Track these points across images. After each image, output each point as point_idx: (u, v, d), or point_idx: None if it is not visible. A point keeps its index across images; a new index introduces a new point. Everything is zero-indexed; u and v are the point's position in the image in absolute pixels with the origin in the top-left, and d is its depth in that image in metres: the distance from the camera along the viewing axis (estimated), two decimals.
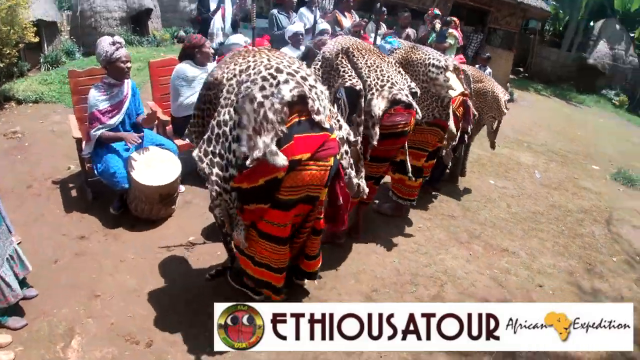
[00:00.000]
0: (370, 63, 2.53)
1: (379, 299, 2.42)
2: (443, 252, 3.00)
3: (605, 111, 10.78)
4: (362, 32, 4.99)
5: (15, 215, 2.76)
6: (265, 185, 1.79)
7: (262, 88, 1.77)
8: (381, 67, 2.54)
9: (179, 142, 3.37)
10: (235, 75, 1.89)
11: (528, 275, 3.00)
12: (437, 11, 6.30)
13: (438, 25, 6.13)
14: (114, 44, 2.79)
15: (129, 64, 2.86)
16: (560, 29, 13.85)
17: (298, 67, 1.89)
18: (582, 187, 4.80)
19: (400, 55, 2.93)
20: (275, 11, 5.26)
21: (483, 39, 8.99)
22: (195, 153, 1.85)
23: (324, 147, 1.81)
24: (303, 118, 1.79)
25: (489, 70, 5.53)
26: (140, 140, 2.87)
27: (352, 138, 2.11)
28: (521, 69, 12.67)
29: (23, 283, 2.17)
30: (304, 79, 1.85)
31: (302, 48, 4.75)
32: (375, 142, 2.36)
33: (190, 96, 3.38)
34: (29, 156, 3.73)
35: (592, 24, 13.29)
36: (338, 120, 2.08)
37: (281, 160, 1.69)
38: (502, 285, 2.82)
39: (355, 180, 2.02)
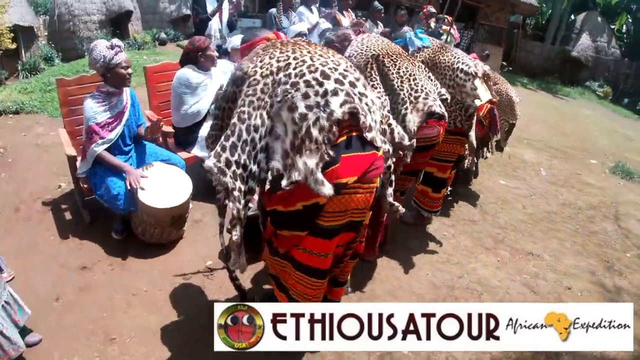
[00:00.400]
0: (403, 72, 2.36)
1: None
2: (473, 261, 2.98)
3: (591, 103, 11.02)
4: (361, 31, 4.89)
5: (4, 245, 2.54)
6: (304, 211, 1.56)
7: (306, 96, 1.51)
8: (414, 74, 2.37)
9: (184, 155, 3.12)
10: (272, 73, 1.58)
11: (556, 278, 3.04)
12: (432, 9, 6.22)
13: (433, 24, 6.07)
14: (112, 47, 2.53)
15: (129, 70, 2.60)
16: (543, 22, 14.16)
17: (345, 70, 1.63)
18: (586, 183, 4.87)
19: (427, 55, 2.81)
20: (274, 11, 5.17)
21: (474, 35, 9.01)
22: (211, 162, 1.52)
23: (372, 167, 1.59)
24: (353, 134, 1.56)
25: (487, 67, 5.51)
26: (145, 177, 2.58)
27: (406, 142, 1.91)
28: (504, 63, 12.82)
29: (23, 329, 1.91)
30: (353, 85, 1.59)
31: None
32: (409, 160, 2.20)
33: (194, 104, 3.14)
34: (14, 174, 3.40)
35: (573, 17, 13.61)
36: (390, 124, 1.89)
37: (327, 190, 1.46)
38: (534, 290, 2.85)
39: (390, 199, 1.87)
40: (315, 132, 1.47)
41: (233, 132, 1.55)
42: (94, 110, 2.52)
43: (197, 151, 3.19)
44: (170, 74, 3.26)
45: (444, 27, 6.03)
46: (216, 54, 3.22)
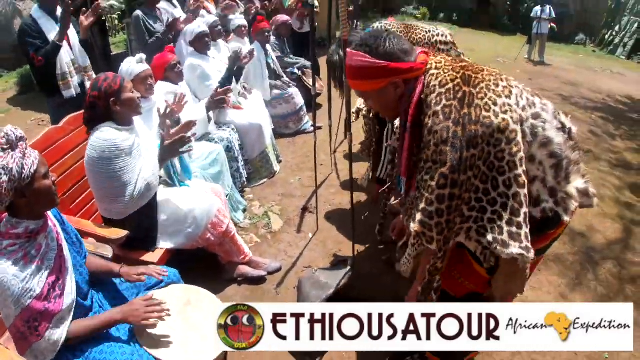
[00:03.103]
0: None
1: None
2: None
3: None
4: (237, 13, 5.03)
5: None
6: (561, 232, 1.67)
7: (551, 122, 1.47)
8: None
9: (148, 257, 2.38)
10: (513, 111, 1.42)
11: None
12: None
13: None
14: (11, 146, 1.41)
15: (53, 176, 1.58)
16: None
17: None
18: None
19: None
20: (139, 13, 4.31)
21: None
22: (516, 250, 1.41)
23: None
24: None
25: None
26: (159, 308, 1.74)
27: None
28: None
29: None
30: None
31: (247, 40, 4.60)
32: None
33: (139, 177, 2.29)
34: None
35: None
36: None
37: (596, 198, 1.57)
38: None
39: None
40: (572, 154, 1.47)
41: (521, 202, 1.40)
42: (22, 278, 1.44)
43: (166, 244, 2.51)
44: (63, 145, 2.47)
45: None
46: (137, 94, 2.34)
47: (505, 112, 1.38)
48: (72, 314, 1.61)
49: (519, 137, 1.38)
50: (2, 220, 1.51)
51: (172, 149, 2.45)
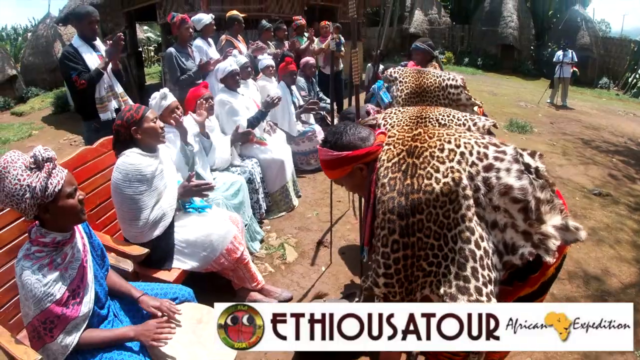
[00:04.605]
0: None
1: None
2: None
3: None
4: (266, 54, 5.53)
5: None
6: (555, 272, 1.71)
7: (507, 170, 1.51)
8: None
9: (164, 275, 2.53)
10: (460, 171, 1.53)
11: None
12: (301, 20, 7.30)
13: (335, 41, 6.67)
14: (38, 166, 1.59)
15: (80, 194, 1.72)
16: (376, 8, 17.38)
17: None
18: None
19: (410, 86, 2.96)
20: (172, 50, 4.65)
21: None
22: (464, 300, 1.48)
23: None
24: None
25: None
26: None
27: None
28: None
29: None
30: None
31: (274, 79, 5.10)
32: None
33: (156, 205, 2.46)
34: None
35: None
36: None
37: (584, 232, 1.53)
38: None
39: None
40: (541, 194, 1.52)
41: (466, 257, 1.49)
42: (44, 282, 1.59)
43: (180, 264, 2.66)
44: (93, 165, 2.72)
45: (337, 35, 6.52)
46: (160, 123, 2.52)
47: (447, 176, 1.51)
48: (86, 321, 1.74)
49: (460, 197, 1.49)
50: (33, 227, 1.69)
51: (189, 191, 2.70)
